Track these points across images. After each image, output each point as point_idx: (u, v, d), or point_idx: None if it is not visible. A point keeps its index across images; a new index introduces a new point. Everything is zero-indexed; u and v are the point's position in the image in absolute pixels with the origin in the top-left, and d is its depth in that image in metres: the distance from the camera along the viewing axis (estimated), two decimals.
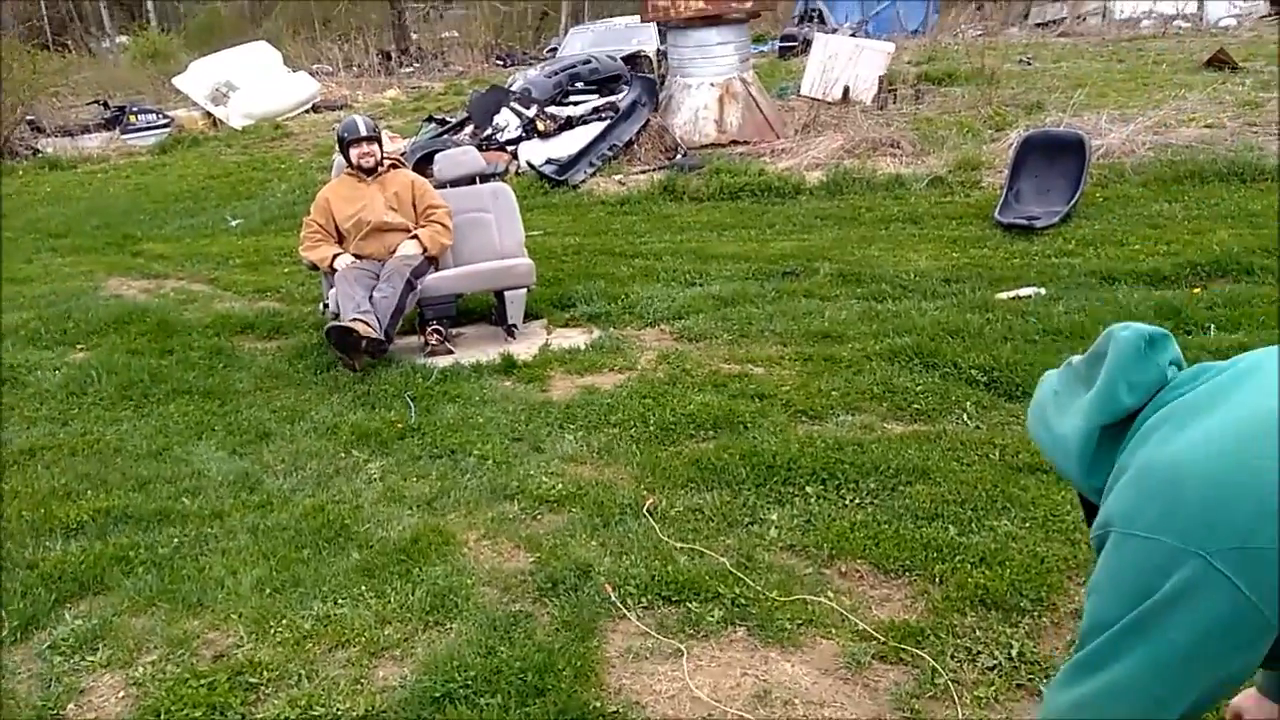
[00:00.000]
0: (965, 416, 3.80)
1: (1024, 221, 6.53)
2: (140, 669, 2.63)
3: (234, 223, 9.49)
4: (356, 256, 5.15)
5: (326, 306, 5.18)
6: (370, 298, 4.87)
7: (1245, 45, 14.62)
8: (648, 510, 3.22)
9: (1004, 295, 5.15)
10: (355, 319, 4.68)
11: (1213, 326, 4.31)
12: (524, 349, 5.04)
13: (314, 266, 5.32)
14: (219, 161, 13.41)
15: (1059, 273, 5.48)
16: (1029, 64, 14.17)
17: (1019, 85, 11.73)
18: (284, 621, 2.78)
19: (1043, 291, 5.15)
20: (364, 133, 5.26)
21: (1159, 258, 5.58)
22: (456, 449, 3.85)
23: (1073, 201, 6.65)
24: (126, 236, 9.13)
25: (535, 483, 3.49)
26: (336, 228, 5.26)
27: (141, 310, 6.23)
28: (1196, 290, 4.93)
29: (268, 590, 2.94)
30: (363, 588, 2.92)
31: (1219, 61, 12.41)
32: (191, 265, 7.69)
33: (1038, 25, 21.72)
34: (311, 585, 2.95)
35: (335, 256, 5.13)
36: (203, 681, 2.54)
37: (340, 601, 2.86)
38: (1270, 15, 19.45)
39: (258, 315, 5.96)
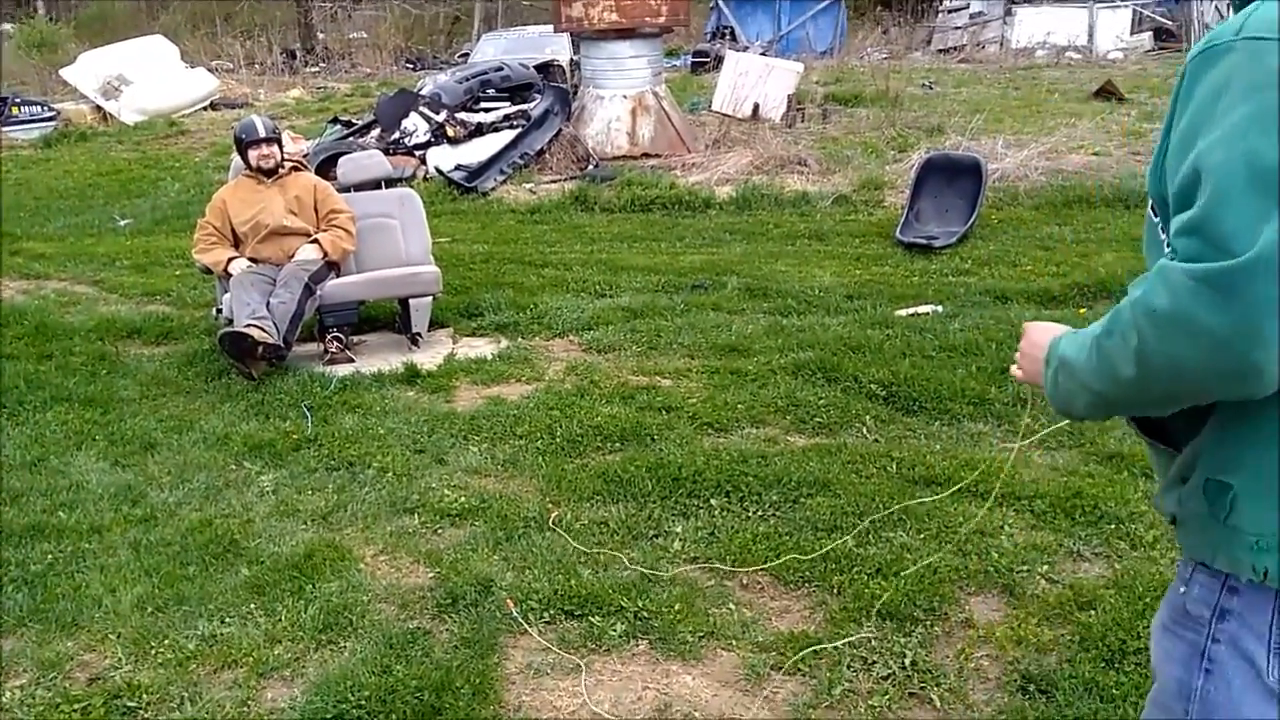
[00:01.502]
0: (865, 430, 3.88)
1: (924, 241, 6.74)
2: (8, 694, 2.47)
3: (123, 222, 9.08)
4: (253, 260, 4.98)
5: (220, 311, 4.99)
6: (267, 304, 4.71)
7: (1131, 77, 15.44)
8: (554, 522, 3.19)
9: (903, 312, 5.29)
10: (250, 324, 4.51)
11: None
12: (428, 358, 4.94)
13: (207, 270, 5.12)
14: (108, 158, 12.82)
15: (956, 291, 5.66)
16: (931, 88, 14.67)
17: (921, 109, 12.13)
18: (166, 642, 2.65)
19: (940, 309, 5.31)
20: (263, 134, 5.09)
21: (1049, 278, 5.82)
22: (355, 461, 3.74)
23: (970, 222, 6.90)
24: (5, 234, 8.63)
25: (437, 496, 3.42)
26: (233, 231, 5.08)
27: (19, 312, 5.89)
28: (1083, 310, 5.15)
29: (149, 609, 2.80)
30: (252, 606, 2.80)
31: (1107, 92, 13.08)
32: (75, 266, 7.32)
33: (940, 51, 22.53)
34: (197, 603, 2.82)
35: (230, 260, 4.94)
36: (76, 706, 2.40)
37: (227, 620, 2.74)
38: (1154, 50, 20.61)
39: (146, 319, 5.70)
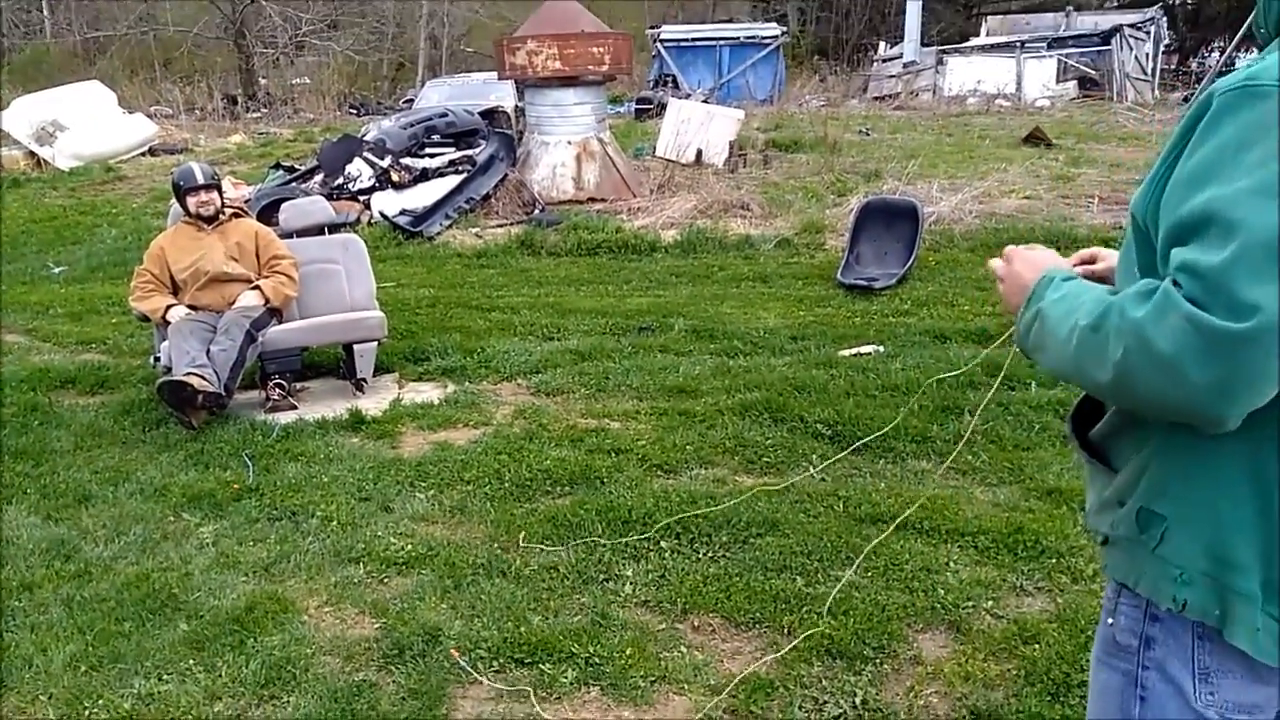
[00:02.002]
0: (811, 469, 3.93)
1: (864, 282, 6.88)
2: None
3: (56, 270, 8.86)
4: (192, 308, 4.90)
5: (158, 360, 4.88)
6: (207, 351, 4.63)
7: (1058, 124, 16.03)
8: (523, 540, 3.17)
9: (846, 352, 5.39)
10: (190, 373, 4.42)
11: (1034, 383, 4.63)
12: (374, 404, 4.89)
13: (145, 318, 5.02)
14: (42, 204, 12.52)
15: (896, 331, 5.78)
16: (868, 135, 15.07)
17: (859, 154, 12.44)
18: (100, 701, 2.56)
19: (882, 349, 5.41)
20: (201, 180, 5.03)
21: (985, 318, 5.98)
22: (298, 510, 3.67)
23: (908, 264, 7.07)
24: None
25: (383, 544, 3.37)
26: (172, 278, 4.99)
27: None
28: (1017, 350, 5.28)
29: (83, 668, 2.70)
30: (191, 661, 2.72)
31: (1035, 138, 13.57)
32: (7, 315, 7.11)
33: (875, 99, 23.20)
34: (133, 660, 2.73)
35: (169, 308, 4.85)
36: None
37: (165, 677, 2.66)
38: (1079, 98, 21.47)
39: (80, 369, 5.55)
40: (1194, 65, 26.47)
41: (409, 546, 3.34)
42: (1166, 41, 24.96)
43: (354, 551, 3.34)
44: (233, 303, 4.92)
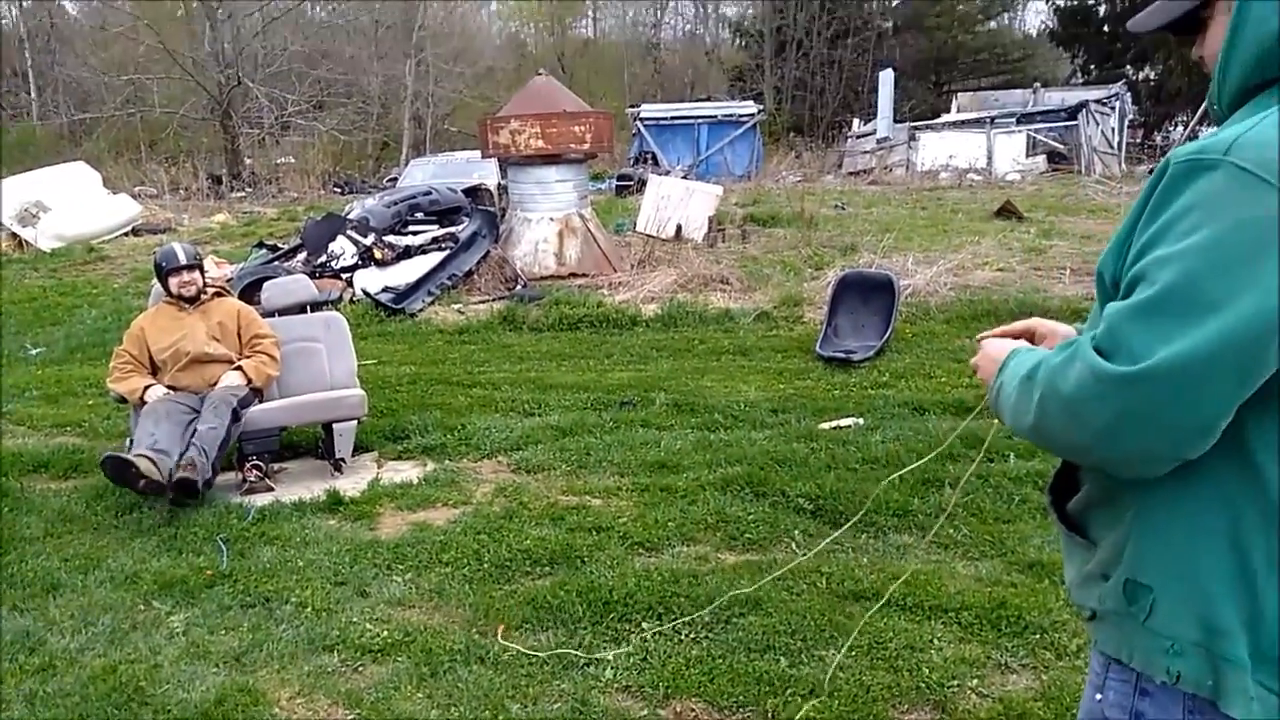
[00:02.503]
0: (794, 545, 3.90)
1: (842, 355, 6.94)
2: None
3: (33, 351, 8.80)
4: (172, 388, 4.87)
5: (133, 442, 4.83)
6: (193, 430, 4.59)
7: (1029, 197, 16.41)
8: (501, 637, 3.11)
9: (826, 425, 5.40)
10: (141, 455, 4.34)
11: (1012, 455, 4.65)
12: (352, 484, 4.84)
13: (122, 400, 4.98)
14: (22, 285, 12.50)
15: (875, 403, 5.81)
16: (843, 209, 15.35)
17: (835, 228, 12.66)
18: None
19: (861, 421, 5.43)
20: (183, 261, 5.05)
21: (963, 389, 6.02)
22: (272, 596, 3.60)
23: (885, 337, 7.14)
24: None
25: (358, 630, 3.30)
26: (151, 359, 4.98)
27: None
28: (997, 420, 5.32)
29: None
30: None
31: (1007, 211, 13.86)
32: None
33: (850, 174, 23.71)
34: None
35: (147, 388, 4.82)
36: None
37: None
38: (1048, 171, 22.02)
39: (54, 452, 5.47)
40: (1159, 139, 27.26)
41: (385, 633, 3.27)
42: (1131, 116, 25.73)
43: (328, 639, 3.27)
44: (214, 384, 4.90)
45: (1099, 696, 1.27)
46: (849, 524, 3.41)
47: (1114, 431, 1.09)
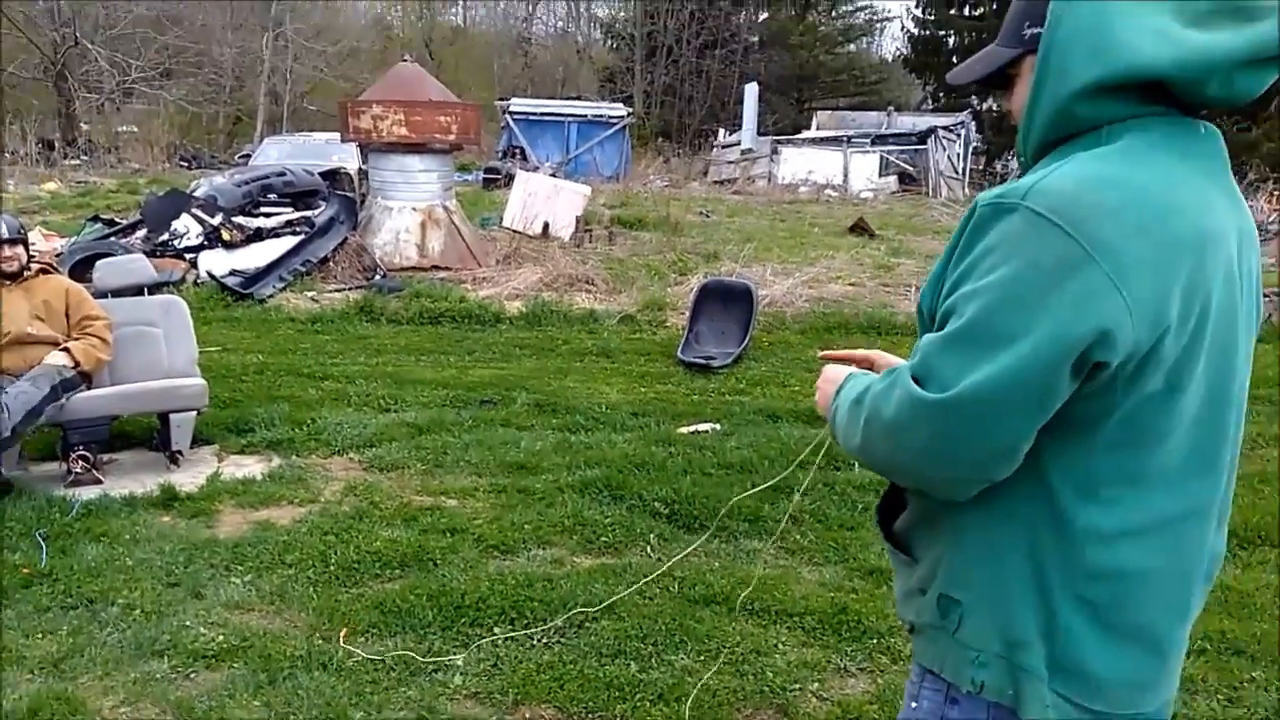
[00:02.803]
0: (649, 548, 3.95)
1: (703, 361, 7.08)
2: None
3: None
4: None
5: None
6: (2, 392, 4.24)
7: (880, 215, 17.19)
8: (344, 640, 3.01)
9: (685, 430, 5.50)
10: None
11: (857, 464, 4.86)
12: (189, 479, 4.58)
13: None
14: None
15: (732, 410, 5.96)
16: (708, 217, 15.68)
17: (700, 235, 12.91)
18: None
19: (718, 427, 5.56)
20: (5, 234, 4.65)
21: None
22: (96, 597, 3.36)
23: (743, 344, 7.33)
24: None
25: (191, 635, 3.13)
26: None
27: None
28: None
29: None
30: None
31: (860, 228, 14.49)
32: None
33: (715, 182, 24.21)
34: None
35: None
36: None
37: None
38: (899, 191, 23.13)
39: None
40: (999, 167, 29.04)
41: (220, 637, 3.12)
42: (975, 144, 27.33)
43: (158, 644, 3.08)
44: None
45: (914, 704, 1.36)
46: (708, 533, 3.48)
47: (928, 454, 1.18)
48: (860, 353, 1.56)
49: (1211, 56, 1.17)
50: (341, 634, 3.16)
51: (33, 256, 4.92)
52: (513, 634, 3.19)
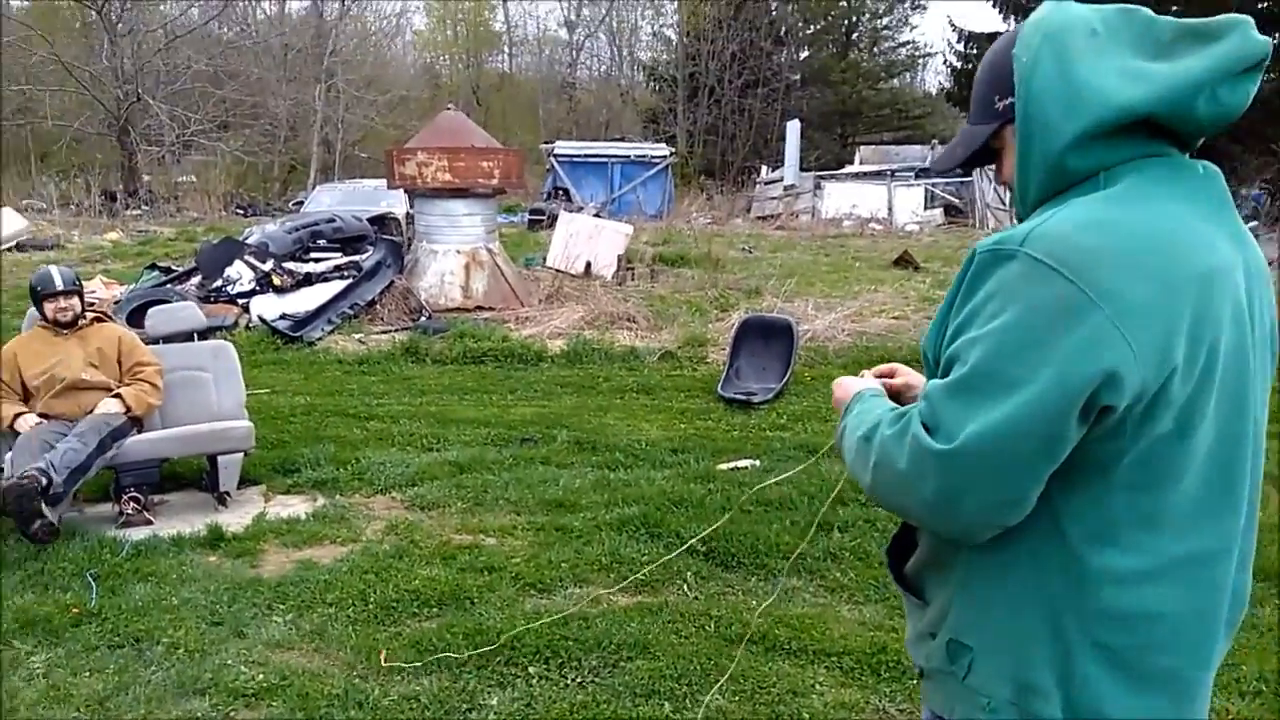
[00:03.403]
0: (686, 587, 3.93)
1: (743, 396, 7.06)
2: None
3: None
4: (45, 416, 4.63)
5: (1, 471, 4.56)
6: (52, 448, 4.37)
7: (926, 248, 17.06)
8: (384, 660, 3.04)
9: (724, 466, 5.47)
10: (25, 475, 4.14)
11: None
12: (236, 519, 4.67)
13: None
14: None
15: (772, 445, 5.92)
16: (750, 253, 15.70)
17: (741, 271, 12.92)
18: None
19: (758, 463, 5.52)
20: (60, 286, 4.82)
21: None
22: (142, 636, 3.43)
23: (784, 380, 7.29)
24: None
25: (232, 674, 3.17)
26: (24, 385, 4.73)
27: None
28: None
29: None
30: None
31: (905, 261, 14.39)
32: None
33: (759, 218, 24.26)
34: None
35: (17, 416, 4.58)
36: None
37: None
38: (945, 224, 22.96)
39: None
40: None
41: (260, 676, 3.16)
42: None
43: (200, 682, 3.13)
44: (90, 411, 4.68)
45: None
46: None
47: (937, 504, 1.17)
48: (883, 367, 1.58)
49: (1184, 82, 1.18)
50: (381, 655, 3.18)
51: (90, 305, 5.10)
52: (546, 673, 3.19)
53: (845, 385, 1.47)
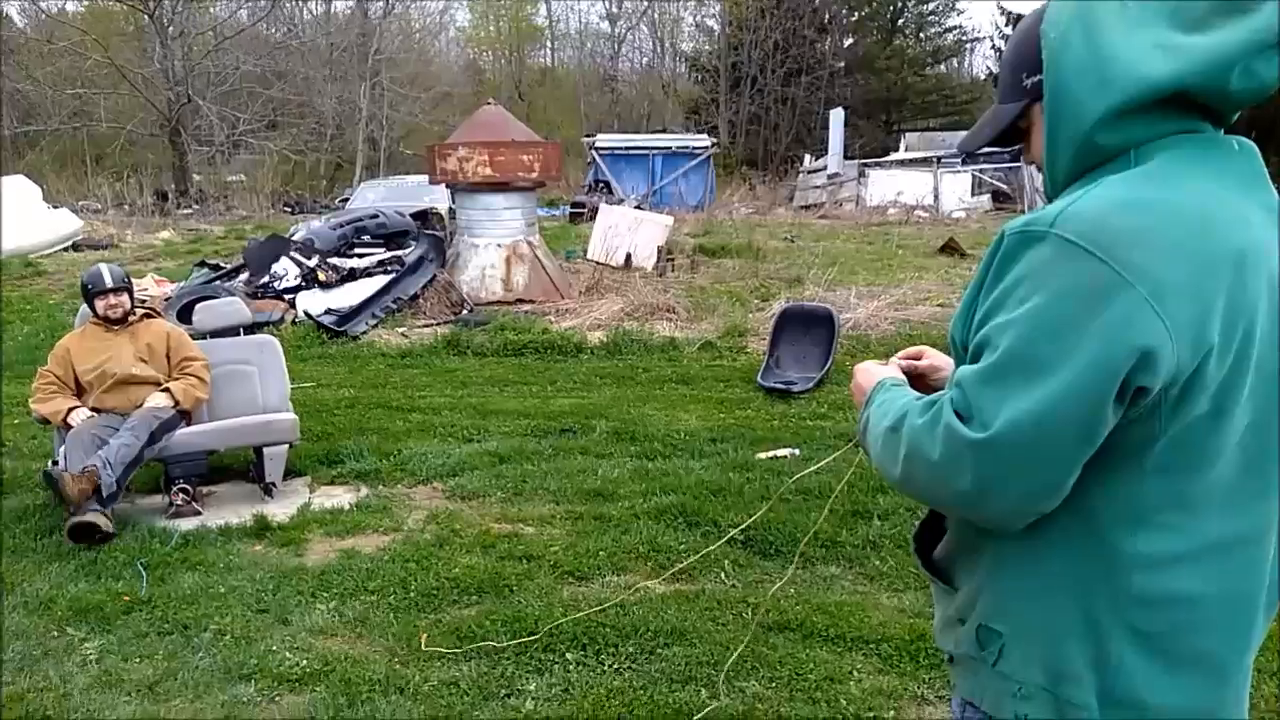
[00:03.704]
0: (723, 575, 3.92)
1: (783, 386, 7.02)
2: None
3: None
4: (96, 410, 4.76)
5: (56, 464, 4.71)
6: (103, 444, 4.50)
7: (973, 234, 16.78)
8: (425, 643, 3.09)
9: (763, 455, 5.45)
10: (84, 470, 4.28)
11: None
12: (281, 509, 4.76)
13: (45, 421, 4.85)
14: None
15: (812, 434, 5.88)
16: (793, 241, 15.57)
17: (783, 260, 12.83)
18: None
19: (797, 452, 5.49)
20: (110, 284, 4.95)
21: None
22: (190, 623, 3.52)
23: (825, 369, 7.24)
24: None
25: (277, 660, 3.24)
26: (76, 380, 4.87)
27: None
28: None
29: None
30: None
31: (950, 248, 14.17)
32: None
33: (802, 207, 24.06)
34: None
35: (70, 410, 4.71)
36: None
37: None
38: (993, 210, 22.57)
39: None
40: None
41: (304, 662, 3.22)
42: None
43: (246, 668, 3.20)
44: (140, 405, 4.81)
45: None
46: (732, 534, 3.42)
47: (977, 493, 1.14)
48: (911, 350, 1.56)
49: (1219, 54, 1.14)
50: (422, 638, 3.23)
51: (140, 302, 5.22)
52: (584, 659, 3.20)
53: (869, 371, 1.44)
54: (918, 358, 1.53)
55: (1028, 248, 1.15)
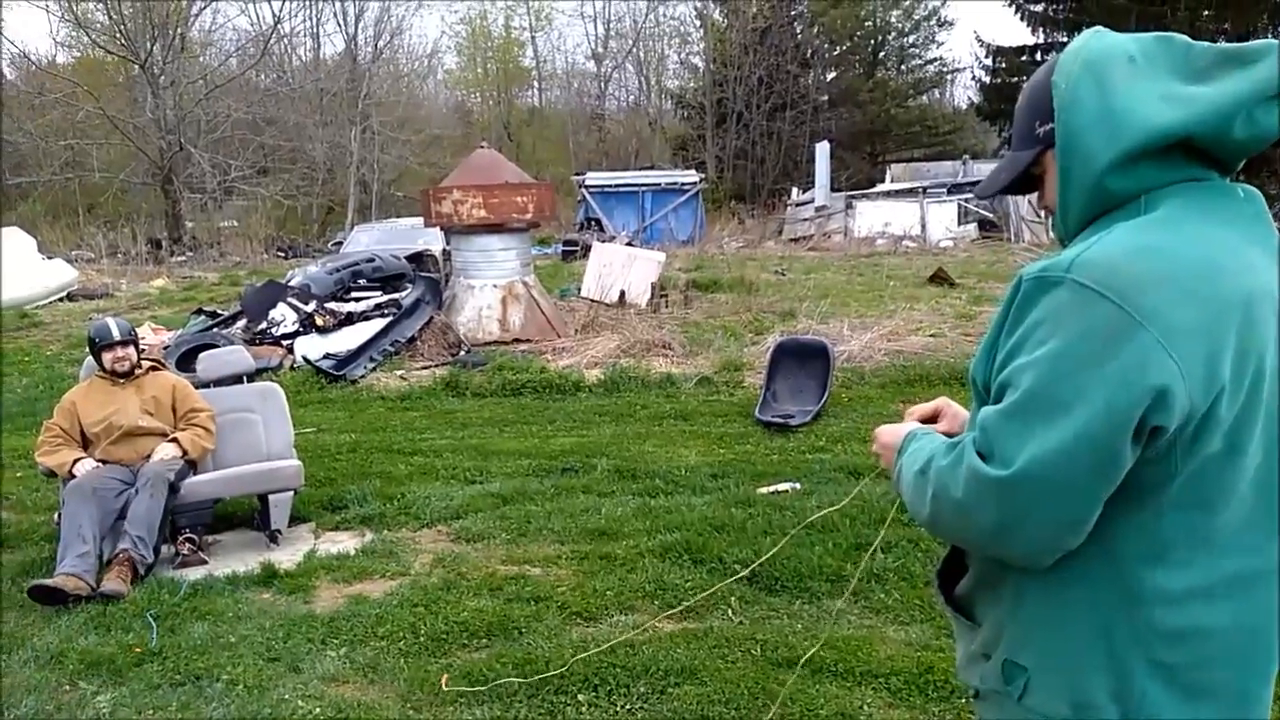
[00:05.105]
0: (730, 612, 3.95)
1: (780, 420, 7.07)
2: None
3: None
4: (103, 462, 4.79)
5: (60, 539, 4.71)
6: (124, 512, 4.53)
7: (961, 264, 16.97)
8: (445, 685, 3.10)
9: (764, 490, 5.49)
10: (65, 575, 4.23)
11: None
12: (287, 556, 4.79)
13: (51, 473, 4.88)
14: None
15: (812, 468, 5.93)
16: (784, 275, 15.72)
17: (775, 294, 12.94)
18: None
19: (798, 485, 5.53)
20: (117, 337, 5.01)
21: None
22: (202, 674, 3.54)
23: (821, 401, 7.30)
24: None
25: (289, 708, 3.26)
26: (83, 433, 4.90)
27: None
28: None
29: None
30: None
31: (940, 278, 14.31)
32: None
33: (791, 240, 24.27)
34: None
35: (76, 461, 4.74)
36: None
37: None
38: (979, 239, 22.80)
39: None
40: None
41: (317, 710, 3.24)
42: None
43: (259, 717, 3.22)
44: (147, 456, 4.84)
45: None
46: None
47: (1001, 530, 1.20)
48: (929, 405, 1.59)
49: (1223, 104, 1.21)
50: (444, 680, 3.24)
51: (143, 353, 5.27)
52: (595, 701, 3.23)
53: (892, 430, 1.48)
54: (934, 417, 1.57)
55: (1045, 292, 1.21)
